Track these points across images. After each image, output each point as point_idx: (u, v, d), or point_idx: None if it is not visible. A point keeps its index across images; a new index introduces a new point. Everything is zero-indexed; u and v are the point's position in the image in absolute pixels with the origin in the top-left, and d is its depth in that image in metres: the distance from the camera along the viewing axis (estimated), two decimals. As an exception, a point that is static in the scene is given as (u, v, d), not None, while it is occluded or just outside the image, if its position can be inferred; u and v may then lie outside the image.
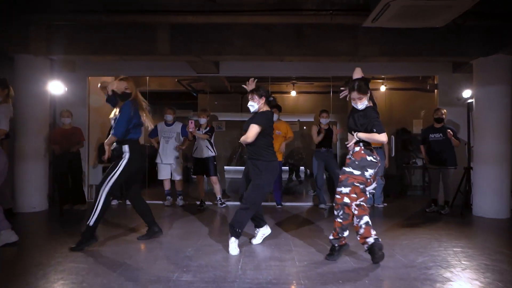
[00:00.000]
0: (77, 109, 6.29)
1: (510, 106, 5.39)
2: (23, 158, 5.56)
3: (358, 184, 3.12)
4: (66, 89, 6.19)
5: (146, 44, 5.45)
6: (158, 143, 6.22)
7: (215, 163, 6.00)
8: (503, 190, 5.37)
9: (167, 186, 6.29)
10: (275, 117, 5.95)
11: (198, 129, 5.88)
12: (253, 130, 3.45)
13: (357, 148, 3.21)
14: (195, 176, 6.27)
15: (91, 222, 3.46)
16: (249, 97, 3.68)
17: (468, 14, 4.13)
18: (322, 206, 6.01)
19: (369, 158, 3.16)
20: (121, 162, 3.61)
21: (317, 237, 4.00)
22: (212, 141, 6.00)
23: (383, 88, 7.92)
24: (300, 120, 9.04)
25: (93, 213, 3.47)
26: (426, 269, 3.04)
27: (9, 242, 3.51)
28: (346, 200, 3.12)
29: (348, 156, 3.30)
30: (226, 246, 3.60)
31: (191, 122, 5.58)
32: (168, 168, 6.20)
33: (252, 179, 3.49)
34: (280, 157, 6.03)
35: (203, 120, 5.90)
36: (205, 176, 6.08)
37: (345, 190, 3.13)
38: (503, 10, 4.63)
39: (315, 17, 4.88)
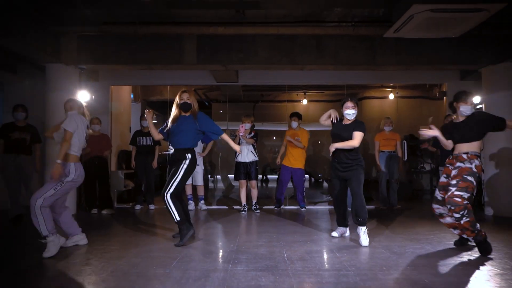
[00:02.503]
0: (101, 117, 6.49)
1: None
2: (53, 164, 5.73)
3: (472, 192, 3.51)
4: (93, 97, 6.42)
5: (174, 54, 5.71)
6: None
7: (257, 167, 6.11)
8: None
9: (188, 191, 6.47)
10: (295, 124, 6.24)
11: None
12: (360, 137, 3.92)
13: (477, 162, 3.48)
14: (237, 182, 6.23)
15: (176, 218, 3.75)
16: (349, 105, 3.98)
17: (484, 25, 4.47)
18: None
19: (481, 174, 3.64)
20: (181, 166, 3.86)
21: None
22: (255, 146, 6.13)
23: (392, 96, 8.26)
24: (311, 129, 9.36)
25: (172, 214, 3.75)
26: (458, 258, 3.29)
27: (79, 243, 3.76)
28: (466, 202, 3.38)
29: (468, 166, 3.46)
30: (266, 242, 3.83)
31: (242, 127, 5.62)
32: (189, 173, 6.40)
33: (354, 182, 3.94)
34: (302, 165, 6.27)
35: (248, 125, 5.92)
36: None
37: (466, 195, 3.39)
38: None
39: (337, 29, 5.20)
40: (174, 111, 4.04)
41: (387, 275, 2.81)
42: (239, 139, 5.88)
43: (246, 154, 5.99)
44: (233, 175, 6.28)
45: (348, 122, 4.05)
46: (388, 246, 3.69)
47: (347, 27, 5.16)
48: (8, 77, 6.87)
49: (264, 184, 10.50)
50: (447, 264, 3.12)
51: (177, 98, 4.04)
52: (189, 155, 3.92)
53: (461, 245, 3.72)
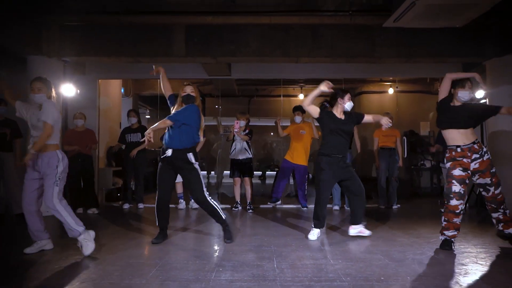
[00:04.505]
0: (88, 112, 6.19)
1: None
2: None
3: None
4: (78, 91, 6.14)
5: (161, 46, 5.42)
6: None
7: (251, 164, 5.96)
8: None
9: (179, 189, 6.21)
10: (299, 119, 5.98)
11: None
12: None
13: (485, 149, 3.51)
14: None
15: (223, 216, 3.75)
16: (348, 98, 3.93)
17: (490, 13, 4.17)
18: (336, 207, 6.01)
19: None
20: (196, 168, 3.72)
21: (341, 236, 3.98)
22: (250, 143, 5.96)
23: (391, 91, 7.97)
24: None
25: (219, 213, 3.73)
26: (462, 265, 3.03)
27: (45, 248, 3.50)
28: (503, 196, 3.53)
29: (487, 157, 3.47)
30: (255, 246, 3.57)
31: (237, 123, 5.55)
32: (180, 171, 6.14)
33: (352, 173, 3.91)
34: (306, 162, 6.01)
35: (243, 123, 5.78)
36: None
37: (500, 188, 3.52)
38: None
39: (334, 18, 4.91)
40: (177, 105, 3.82)
41: (385, 287, 2.54)
42: (234, 136, 5.79)
43: (240, 151, 5.81)
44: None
45: (343, 117, 3.89)
46: (387, 252, 3.42)
47: (344, 16, 4.86)
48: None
49: (261, 180, 10.24)
50: (452, 273, 2.85)
51: (180, 92, 3.83)
52: (191, 155, 3.70)
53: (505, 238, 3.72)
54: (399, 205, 6.21)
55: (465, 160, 3.45)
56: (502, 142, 5.45)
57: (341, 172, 3.88)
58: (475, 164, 3.45)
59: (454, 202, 3.42)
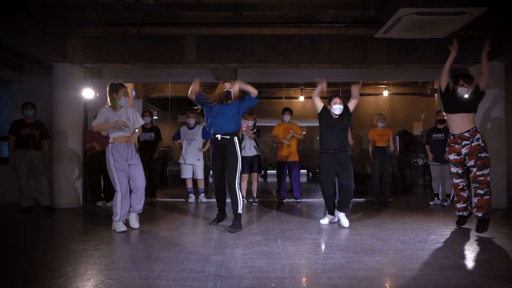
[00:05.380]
0: (105, 114, 6.75)
1: (504, 107, 6.01)
2: (60, 158, 6.03)
3: (489, 165, 3.89)
4: (97, 94, 6.69)
5: (174, 53, 5.98)
6: (181, 146, 6.74)
7: (260, 161, 6.48)
8: (500, 184, 5.96)
9: (189, 184, 6.76)
10: (288, 118, 6.56)
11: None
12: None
13: (479, 135, 3.90)
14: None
15: (241, 209, 4.17)
16: (337, 101, 4.39)
17: (467, 26, 4.73)
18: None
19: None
20: (237, 155, 4.25)
21: (336, 223, 4.54)
22: (258, 141, 6.48)
23: (386, 93, 8.52)
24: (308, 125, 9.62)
25: (239, 203, 4.15)
26: (438, 243, 3.58)
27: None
28: (488, 179, 3.86)
29: (476, 143, 3.89)
30: (262, 231, 4.13)
31: (245, 123, 6.01)
32: (190, 168, 6.69)
33: (345, 169, 4.35)
34: (297, 158, 6.57)
35: (250, 123, 6.30)
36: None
37: (487, 171, 3.85)
38: (499, 23, 5.25)
39: (330, 29, 5.46)
40: (213, 99, 4.28)
41: (370, 258, 3.09)
42: (242, 134, 6.24)
43: (249, 149, 6.34)
44: None
45: (337, 117, 4.43)
46: (375, 234, 3.98)
47: (340, 28, 5.42)
48: (16, 76, 7.15)
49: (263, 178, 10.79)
50: (428, 249, 3.40)
51: (218, 88, 4.31)
52: (236, 138, 4.25)
53: (462, 224, 4.27)
54: (391, 199, 6.76)
55: (456, 146, 4.06)
56: (487, 137, 5.96)
57: (337, 166, 4.41)
58: (465, 149, 3.99)
59: (454, 180, 4.17)
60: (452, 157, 4.09)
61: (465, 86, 3.99)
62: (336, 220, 4.56)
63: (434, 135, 6.30)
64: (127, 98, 4.29)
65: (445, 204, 6.14)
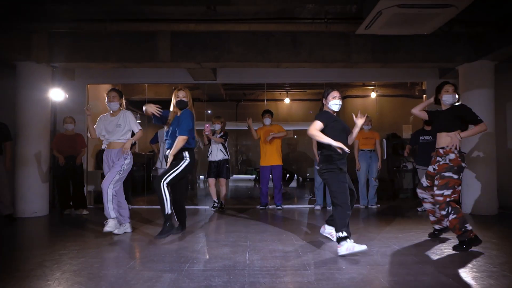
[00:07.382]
0: (77, 116, 6.37)
1: (494, 109, 5.71)
2: (24, 163, 5.64)
3: (458, 188, 3.54)
4: (67, 96, 6.31)
5: (147, 52, 5.63)
6: (159, 149, 6.39)
7: (227, 165, 6.18)
8: (490, 189, 5.65)
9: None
10: (268, 121, 6.23)
11: (213, 134, 6.09)
12: None
13: (452, 155, 3.55)
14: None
15: (168, 210, 3.81)
16: (338, 95, 3.60)
17: (454, 22, 4.44)
18: (318, 207, 6.24)
19: (463, 164, 3.57)
20: (182, 163, 3.91)
21: (317, 234, 4.19)
22: (226, 145, 6.20)
23: (373, 95, 8.22)
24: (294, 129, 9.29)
25: (165, 203, 3.79)
26: (420, 256, 3.24)
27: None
28: (448, 199, 3.50)
29: (444, 161, 3.59)
30: (232, 242, 3.77)
31: (207, 126, 5.76)
32: (167, 172, 6.32)
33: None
34: (280, 161, 6.22)
35: (217, 126, 6.10)
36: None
37: (447, 192, 3.50)
38: (486, 19, 4.96)
39: (310, 26, 5.15)
40: (171, 110, 4.06)
41: (343, 274, 2.75)
42: (209, 139, 6.08)
43: (216, 153, 6.08)
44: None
45: (335, 114, 3.70)
46: (354, 245, 3.63)
47: (321, 24, 5.11)
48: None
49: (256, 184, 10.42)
50: (408, 263, 3.06)
51: (172, 97, 4.06)
52: (187, 153, 3.93)
53: (435, 237, 3.94)
54: (378, 205, 6.43)
55: (436, 159, 3.77)
56: (475, 142, 5.68)
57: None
58: (437, 166, 3.73)
59: (417, 189, 3.98)
60: (430, 168, 3.84)
61: (449, 92, 3.75)
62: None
63: (422, 137, 6.01)
64: (115, 103, 4.33)
65: (433, 210, 5.80)
